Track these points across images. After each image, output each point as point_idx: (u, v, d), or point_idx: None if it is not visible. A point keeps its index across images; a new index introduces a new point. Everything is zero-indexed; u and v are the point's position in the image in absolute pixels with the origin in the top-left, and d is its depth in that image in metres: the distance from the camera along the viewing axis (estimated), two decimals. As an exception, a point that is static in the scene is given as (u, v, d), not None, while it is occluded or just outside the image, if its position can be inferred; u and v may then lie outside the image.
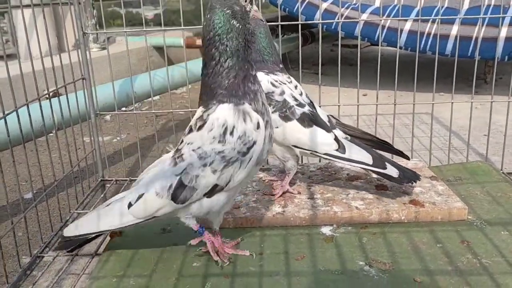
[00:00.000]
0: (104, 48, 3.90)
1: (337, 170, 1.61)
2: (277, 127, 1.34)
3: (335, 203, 1.36)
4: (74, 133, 1.68)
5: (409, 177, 1.34)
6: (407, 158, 1.53)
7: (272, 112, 1.31)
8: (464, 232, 1.26)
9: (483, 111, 1.88)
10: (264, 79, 1.34)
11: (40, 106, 1.46)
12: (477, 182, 1.56)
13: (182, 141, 1.10)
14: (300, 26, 1.84)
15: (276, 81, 1.37)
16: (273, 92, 1.35)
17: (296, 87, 1.41)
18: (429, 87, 1.82)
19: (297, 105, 1.36)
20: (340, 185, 1.49)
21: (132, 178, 1.76)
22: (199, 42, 4.04)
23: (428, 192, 1.41)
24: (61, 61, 1.54)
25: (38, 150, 1.44)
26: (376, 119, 1.82)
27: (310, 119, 1.36)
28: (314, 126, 1.35)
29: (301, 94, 1.40)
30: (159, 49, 4.33)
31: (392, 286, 1.05)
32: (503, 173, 1.69)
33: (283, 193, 1.43)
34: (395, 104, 1.76)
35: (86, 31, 1.66)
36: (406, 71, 1.74)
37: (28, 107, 1.35)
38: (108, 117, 3.04)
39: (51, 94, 1.51)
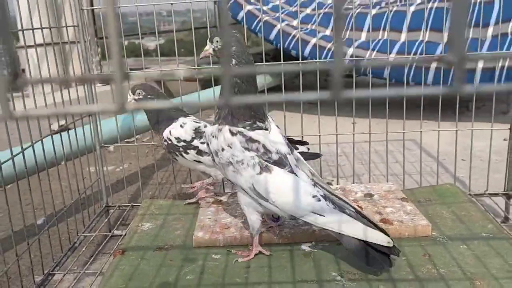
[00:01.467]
0: (107, 84, 4.11)
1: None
2: None
3: (314, 223, 1.53)
4: (81, 163, 1.86)
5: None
6: None
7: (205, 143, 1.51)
8: (427, 246, 1.42)
9: (463, 137, 2.06)
10: (187, 120, 1.70)
11: (52, 140, 1.65)
12: (444, 203, 1.72)
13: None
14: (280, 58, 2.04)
15: (195, 120, 1.72)
16: (199, 127, 1.72)
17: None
18: (412, 115, 2.00)
19: None
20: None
21: (134, 204, 1.93)
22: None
23: (398, 212, 1.58)
24: (69, 96, 1.73)
25: (50, 180, 1.62)
26: (369, 147, 2.00)
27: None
28: None
29: (206, 126, 1.69)
30: (159, 82, 4.55)
31: (359, 293, 1.21)
32: (469, 194, 1.85)
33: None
34: (387, 133, 1.95)
35: (83, 8, 1.84)
36: (391, 101, 1.93)
37: (42, 141, 1.54)
38: (111, 148, 3.22)
39: (60, 128, 1.70)
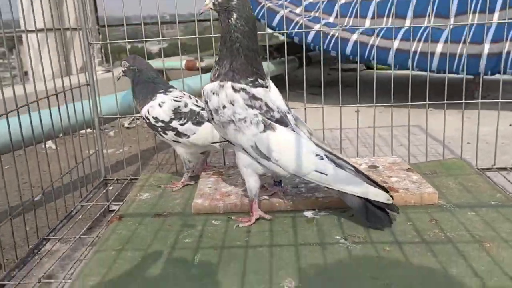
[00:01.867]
0: (108, 71, 4.09)
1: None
2: (194, 133, 1.58)
3: (317, 191, 1.48)
4: (80, 143, 1.82)
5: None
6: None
7: (185, 124, 1.58)
8: (433, 213, 1.37)
9: (469, 123, 2.02)
10: (166, 98, 1.61)
11: (50, 112, 1.62)
12: (450, 175, 1.68)
13: None
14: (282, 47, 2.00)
15: (176, 97, 1.62)
16: (179, 106, 1.60)
17: (190, 97, 1.67)
18: (416, 104, 1.95)
19: (201, 109, 1.61)
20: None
21: (132, 178, 1.89)
22: (198, 65, 4.23)
23: (403, 181, 1.53)
24: (70, 82, 1.70)
25: (47, 153, 1.58)
26: (374, 132, 1.96)
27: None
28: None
29: (186, 105, 1.62)
30: (162, 71, 4.52)
31: (363, 254, 1.16)
32: (477, 168, 1.81)
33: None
34: (392, 105, 1.91)
35: (91, 42, 1.82)
36: (395, 90, 1.90)
37: (39, 112, 1.51)
38: (111, 133, 3.19)
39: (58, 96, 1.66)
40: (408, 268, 1.09)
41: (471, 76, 3.50)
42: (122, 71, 1.66)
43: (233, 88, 1.28)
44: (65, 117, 1.72)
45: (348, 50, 3.33)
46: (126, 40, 1.94)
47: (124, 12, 1.89)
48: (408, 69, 3.36)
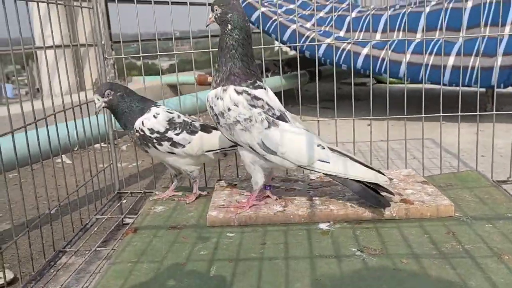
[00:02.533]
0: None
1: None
2: (189, 142, 1.59)
3: (332, 203, 1.48)
4: (95, 157, 1.84)
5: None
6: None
7: (180, 133, 1.59)
8: (450, 225, 1.36)
9: (482, 136, 2.01)
10: (160, 110, 1.61)
11: (67, 125, 1.64)
12: (466, 187, 1.66)
13: None
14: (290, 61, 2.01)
15: (168, 109, 1.64)
16: (173, 117, 1.61)
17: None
18: (429, 117, 1.94)
19: (193, 121, 1.64)
20: (337, 189, 1.61)
21: (146, 191, 1.90)
22: (210, 79, 4.27)
23: (419, 193, 1.52)
24: (86, 96, 1.73)
25: (63, 166, 1.60)
26: (388, 144, 1.95)
27: (211, 127, 1.63)
28: (214, 131, 1.62)
29: (179, 116, 1.63)
30: (173, 87, 4.57)
31: (381, 266, 1.15)
32: (492, 181, 1.79)
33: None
34: (405, 118, 1.90)
35: (106, 56, 1.85)
36: (409, 103, 1.90)
37: (56, 125, 1.53)
38: (124, 147, 3.22)
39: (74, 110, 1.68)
40: (426, 281, 1.08)
41: (483, 89, 3.49)
42: (105, 101, 1.57)
43: (235, 91, 1.38)
44: (81, 131, 1.74)
45: (359, 64, 3.34)
46: (141, 55, 1.96)
47: (138, 28, 1.92)
48: (419, 82, 3.37)
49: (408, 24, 3.51)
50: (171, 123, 1.59)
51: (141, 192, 1.92)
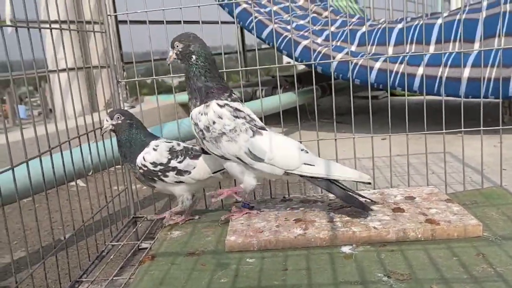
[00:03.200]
0: (133, 107, 4.14)
1: (355, 198, 1.68)
2: (194, 167, 1.58)
3: (354, 225, 1.43)
4: (110, 180, 1.82)
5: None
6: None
7: (183, 160, 1.57)
8: (479, 246, 1.30)
9: (503, 149, 1.95)
10: (158, 142, 1.59)
11: (81, 150, 1.62)
12: (492, 204, 1.60)
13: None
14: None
15: (167, 139, 1.64)
16: (172, 146, 1.59)
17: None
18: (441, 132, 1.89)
19: (193, 145, 1.65)
20: (357, 210, 1.56)
21: (162, 214, 1.86)
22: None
23: (444, 213, 1.47)
24: (100, 118, 1.71)
25: (78, 191, 1.58)
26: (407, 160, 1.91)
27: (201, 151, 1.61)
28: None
29: (179, 144, 1.62)
30: (184, 105, 4.57)
31: (410, 293, 1.10)
32: (518, 197, 1.73)
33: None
34: (425, 133, 1.85)
35: (119, 80, 1.84)
36: (421, 117, 1.85)
37: (71, 150, 1.52)
38: (137, 168, 3.20)
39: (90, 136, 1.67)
40: (460, 308, 1.03)
41: (497, 100, 3.42)
42: (113, 124, 1.56)
43: (218, 104, 1.45)
44: (95, 154, 1.72)
45: (373, 78, 3.30)
46: (154, 77, 1.95)
47: (151, 48, 1.91)
48: (433, 95, 3.32)
49: (420, 37, 3.47)
50: (172, 152, 1.56)
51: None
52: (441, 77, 3.19)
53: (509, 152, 1.91)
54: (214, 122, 1.43)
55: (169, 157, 1.55)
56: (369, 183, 1.50)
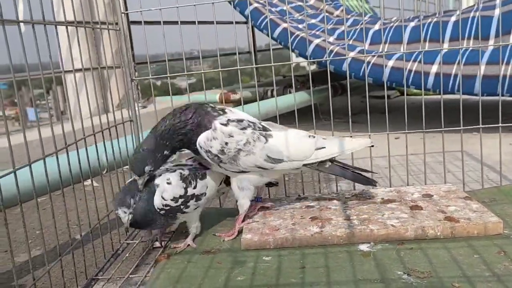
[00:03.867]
0: (145, 107, 4.15)
1: (371, 195, 1.67)
2: (207, 187, 1.50)
3: (371, 223, 1.41)
4: (125, 178, 1.82)
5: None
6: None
7: (197, 184, 1.47)
8: (501, 243, 1.28)
9: None
10: (167, 174, 1.45)
11: (97, 149, 1.62)
12: (511, 202, 1.58)
13: None
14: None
15: (172, 163, 1.53)
16: (182, 173, 1.46)
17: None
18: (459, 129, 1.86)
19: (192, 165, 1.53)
20: (375, 207, 1.54)
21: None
22: (233, 97, 4.25)
23: (463, 210, 1.44)
24: (114, 117, 1.71)
25: (94, 190, 1.57)
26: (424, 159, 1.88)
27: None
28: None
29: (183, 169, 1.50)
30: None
31: (431, 291, 1.08)
32: (538, 194, 1.69)
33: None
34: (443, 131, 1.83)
35: (133, 78, 1.84)
36: (434, 116, 1.82)
37: (86, 149, 1.51)
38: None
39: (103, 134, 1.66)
40: (483, 306, 1.01)
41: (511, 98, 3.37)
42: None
43: (222, 124, 1.41)
44: (109, 153, 1.72)
45: (386, 76, 3.27)
46: (168, 75, 1.94)
47: (166, 49, 1.90)
48: (448, 93, 3.28)
49: (432, 35, 3.43)
50: (185, 180, 1.44)
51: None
52: (455, 75, 3.15)
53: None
54: (227, 143, 1.40)
55: (184, 186, 1.43)
56: (372, 146, 1.57)
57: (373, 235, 1.36)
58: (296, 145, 1.47)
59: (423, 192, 1.64)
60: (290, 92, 4.52)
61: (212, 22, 1.82)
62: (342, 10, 4.46)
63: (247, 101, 2.44)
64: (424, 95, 1.97)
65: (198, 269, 1.30)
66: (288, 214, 1.56)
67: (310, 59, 3.47)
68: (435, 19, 3.59)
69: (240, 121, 1.44)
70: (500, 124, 1.78)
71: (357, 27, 3.90)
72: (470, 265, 1.17)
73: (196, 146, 1.40)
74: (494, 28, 3.23)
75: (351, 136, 1.88)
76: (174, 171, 1.46)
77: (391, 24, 3.78)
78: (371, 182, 1.55)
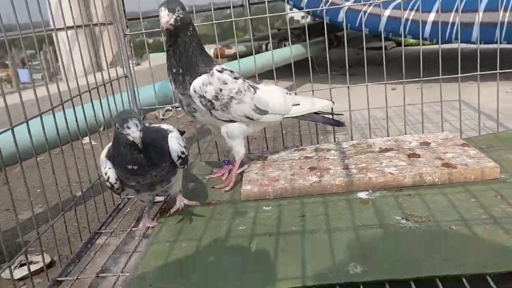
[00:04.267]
0: (138, 64, 4.10)
1: (369, 145, 1.67)
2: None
3: (369, 171, 1.42)
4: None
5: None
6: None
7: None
8: (497, 188, 1.30)
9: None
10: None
11: (93, 105, 1.60)
12: (508, 148, 1.59)
13: None
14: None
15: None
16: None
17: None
18: (456, 78, 1.85)
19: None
20: (373, 156, 1.55)
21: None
22: (228, 52, 4.19)
23: (460, 157, 1.46)
24: (109, 74, 1.67)
25: (92, 147, 1.57)
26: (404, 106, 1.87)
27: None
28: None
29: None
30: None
31: (429, 234, 1.10)
32: (535, 139, 1.71)
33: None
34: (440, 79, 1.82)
35: (126, 33, 1.80)
36: (431, 66, 1.80)
37: (82, 106, 1.50)
38: (147, 125, 3.19)
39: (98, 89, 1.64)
40: (480, 246, 1.03)
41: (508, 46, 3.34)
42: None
43: (218, 71, 1.44)
44: (106, 110, 1.71)
45: (382, 26, 3.22)
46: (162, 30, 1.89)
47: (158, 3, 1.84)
48: (446, 42, 3.23)
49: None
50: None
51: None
52: (452, 23, 3.10)
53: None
54: (221, 90, 1.43)
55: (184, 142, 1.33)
56: (333, 102, 1.67)
57: (372, 183, 1.38)
58: (279, 99, 1.56)
59: (421, 141, 1.65)
60: (285, 45, 4.46)
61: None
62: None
63: (242, 56, 2.40)
64: (422, 45, 1.94)
65: (199, 221, 1.32)
66: (287, 165, 1.57)
67: (305, 9, 3.39)
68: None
69: (231, 71, 1.49)
70: (497, 71, 1.76)
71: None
72: (468, 209, 1.19)
73: (189, 90, 1.41)
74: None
75: (348, 87, 1.87)
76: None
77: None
78: (339, 124, 1.69)
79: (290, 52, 2.22)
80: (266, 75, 1.73)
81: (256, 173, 1.53)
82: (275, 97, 1.55)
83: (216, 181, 1.61)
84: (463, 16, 3.06)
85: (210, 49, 4.21)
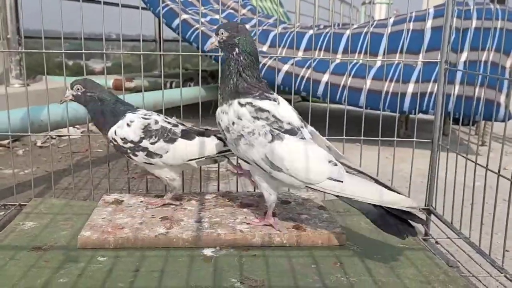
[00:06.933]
0: (28, 85, 3.82)
1: (232, 198, 1.63)
2: (167, 152, 1.45)
3: (221, 226, 1.37)
4: None
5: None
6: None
7: (156, 142, 1.44)
8: (339, 254, 1.30)
9: (392, 161, 1.98)
10: (135, 117, 1.46)
11: None
12: (362, 214, 1.62)
13: None
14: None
15: (145, 114, 1.49)
16: (148, 124, 1.46)
17: (158, 114, 1.53)
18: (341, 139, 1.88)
19: (173, 126, 1.48)
20: (230, 211, 1.50)
21: (22, 203, 1.69)
22: (128, 85, 4.06)
23: (313, 219, 1.45)
24: None
25: None
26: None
27: (195, 132, 1.50)
28: (197, 137, 1.48)
29: (157, 122, 1.47)
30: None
31: (258, 301, 1.05)
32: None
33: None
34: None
35: (2, 50, 1.64)
36: (320, 124, 1.83)
37: None
38: (20, 152, 2.94)
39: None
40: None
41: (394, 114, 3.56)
42: (73, 95, 1.46)
43: (239, 103, 1.31)
44: None
45: (279, 80, 3.30)
46: (63, 51, 1.76)
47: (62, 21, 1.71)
48: (335, 102, 3.38)
49: (330, 45, 3.53)
50: (147, 131, 1.44)
51: (15, 204, 1.70)
52: (344, 86, 3.26)
53: (398, 165, 1.95)
54: (233, 123, 1.30)
55: (142, 135, 1.43)
56: (414, 207, 1.21)
57: (220, 239, 1.32)
58: (303, 162, 1.25)
59: (284, 199, 1.64)
60: (189, 86, 4.43)
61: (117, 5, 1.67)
62: (249, 10, 4.46)
63: (140, 91, 2.30)
64: (314, 102, 1.97)
65: (19, 267, 1.17)
66: (139, 212, 1.47)
67: (206, 52, 3.40)
68: (332, 30, 3.70)
69: (261, 110, 1.30)
70: (379, 138, 1.82)
71: (258, 28, 3.90)
72: (305, 275, 1.17)
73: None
74: (383, 46, 3.38)
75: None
76: (147, 119, 1.46)
77: (291, 30, 3.83)
78: (403, 234, 1.22)
79: (193, 92, 2.15)
80: (168, 113, 1.63)
81: (103, 218, 1.42)
82: (299, 158, 1.25)
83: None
84: (353, 81, 3.23)
85: (110, 80, 4.08)
